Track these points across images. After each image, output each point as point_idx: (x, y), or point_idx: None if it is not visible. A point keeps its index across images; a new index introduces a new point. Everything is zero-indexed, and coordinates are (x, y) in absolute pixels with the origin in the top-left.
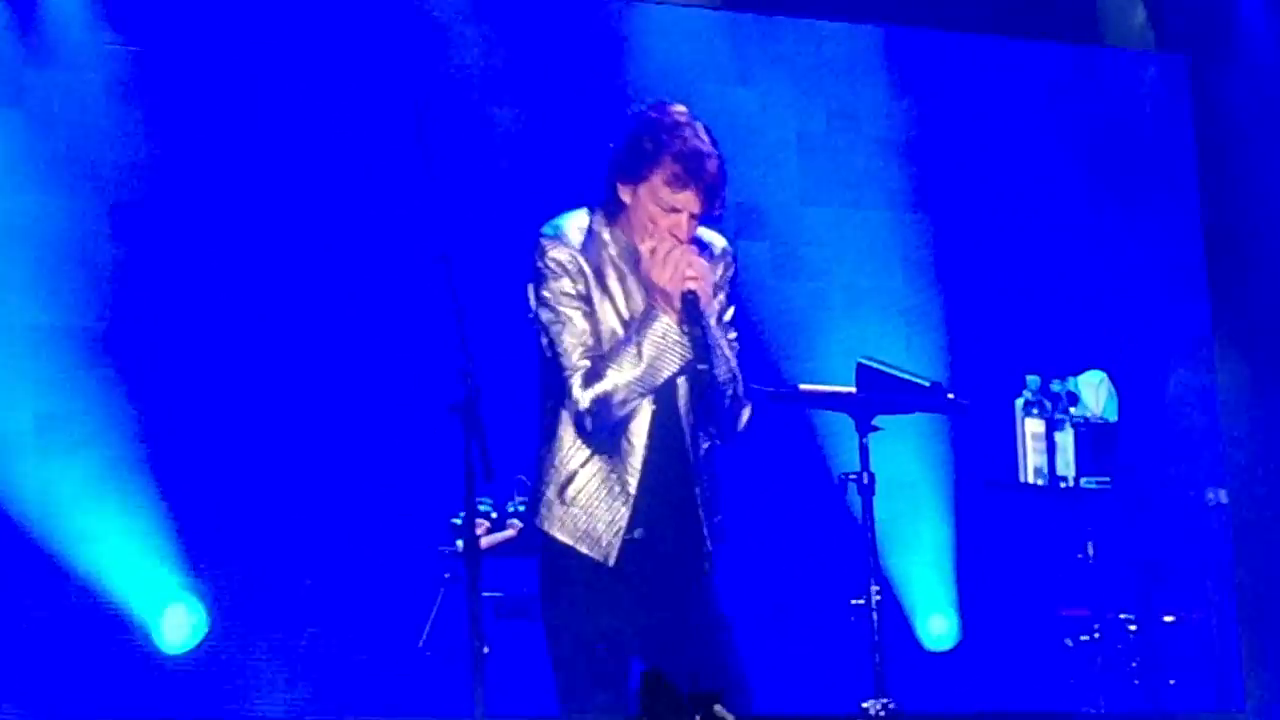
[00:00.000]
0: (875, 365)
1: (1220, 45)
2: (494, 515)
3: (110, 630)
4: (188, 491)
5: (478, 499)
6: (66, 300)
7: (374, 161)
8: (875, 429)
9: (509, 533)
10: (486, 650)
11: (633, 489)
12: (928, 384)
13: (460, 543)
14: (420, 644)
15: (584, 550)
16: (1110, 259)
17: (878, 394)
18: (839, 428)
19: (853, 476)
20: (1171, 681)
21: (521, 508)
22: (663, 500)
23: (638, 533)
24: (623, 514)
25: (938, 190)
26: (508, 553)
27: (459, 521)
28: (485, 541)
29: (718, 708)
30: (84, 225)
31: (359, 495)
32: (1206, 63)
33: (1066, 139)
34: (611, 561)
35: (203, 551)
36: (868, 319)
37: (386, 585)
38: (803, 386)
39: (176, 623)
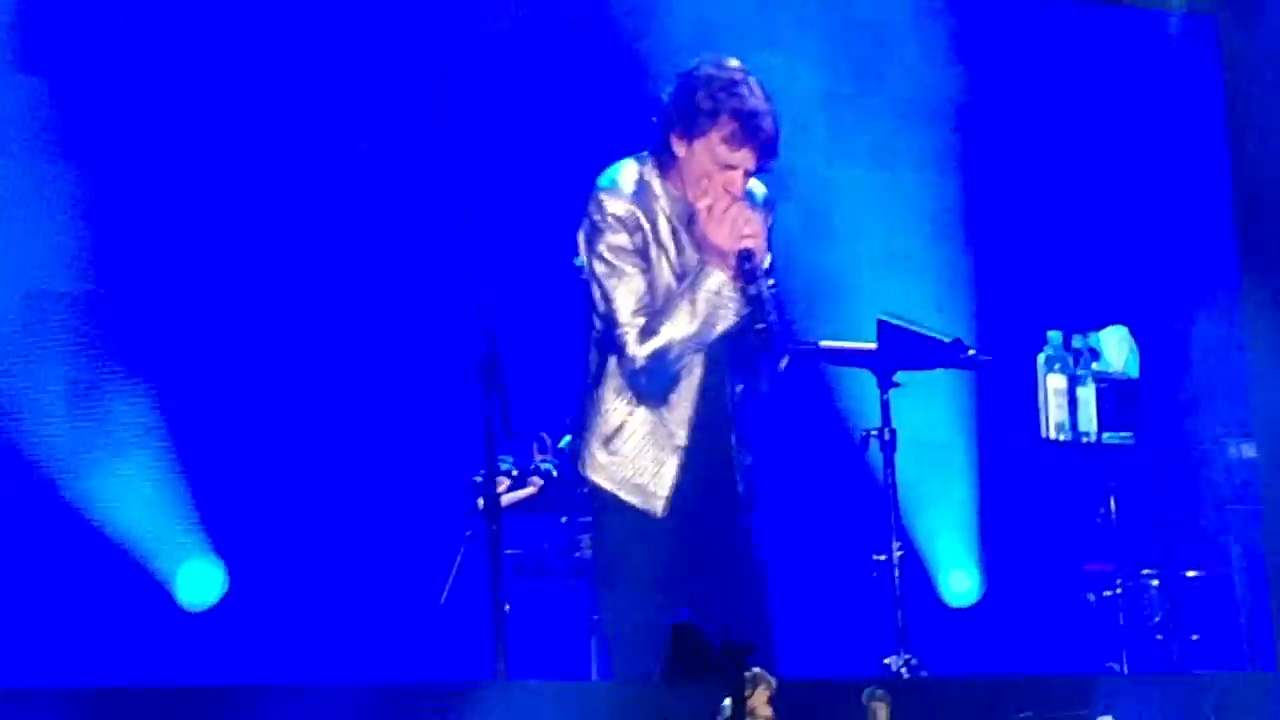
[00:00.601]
0: (896, 321)
1: (1249, 3)
2: (515, 473)
3: (133, 588)
4: (209, 451)
5: (499, 456)
6: (95, 268)
7: (395, 121)
8: (896, 385)
9: (530, 490)
10: (508, 608)
11: (681, 440)
12: (948, 340)
13: (481, 500)
14: (442, 600)
15: (627, 498)
16: (1134, 213)
17: (899, 350)
18: (860, 385)
19: (874, 433)
20: (1195, 637)
21: (544, 465)
22: (709, 452)
23: (683, 499)
24: (671, 465)
25: (964, 149)
26: (529, 510)
27: (480, 479)
28: (506, 499)
29: (757, 670)
30: (111, 194)
31: (379, 453)
32: (1236, 18)
33: (1093, 95)
34: (660, 513)
35: (223, 510)
36: (896, 279)
37: (407, 543)
38: (823, 343)
39: (196, 580)
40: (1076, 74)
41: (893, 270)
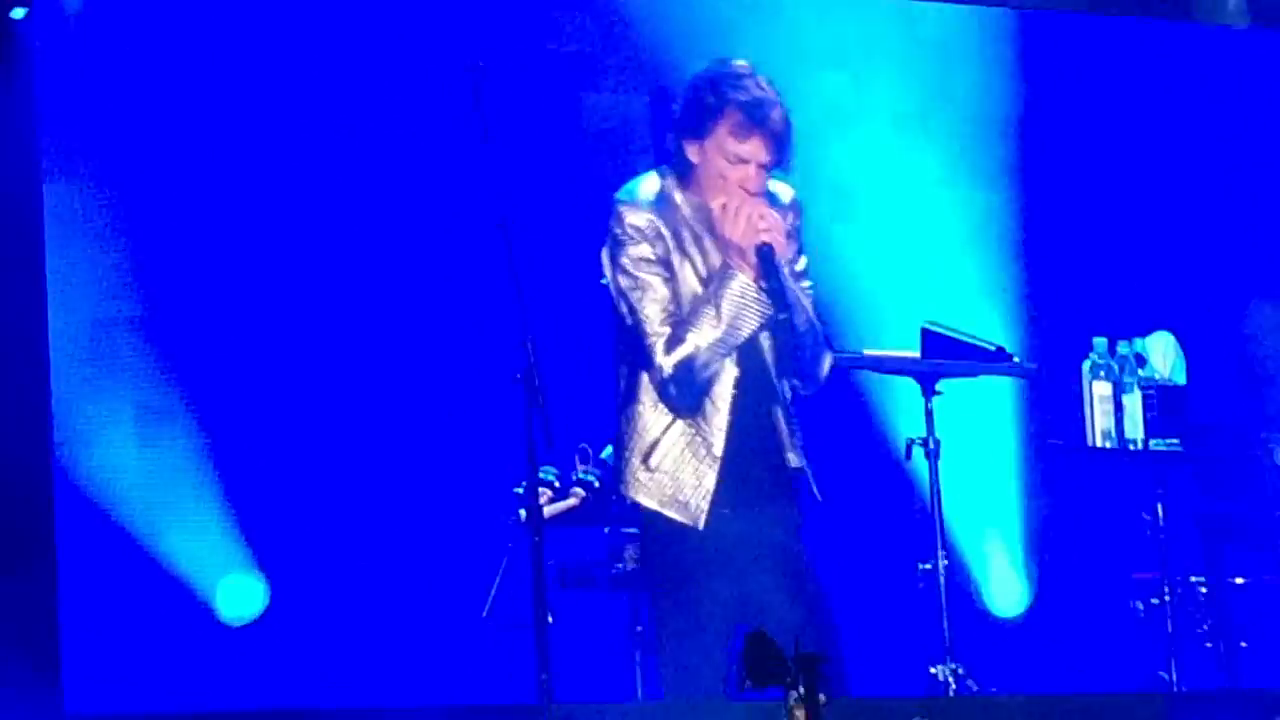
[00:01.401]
0: (940, 330)
1: None
2: (557, 484)
3: (177, 603)
4: (251, 464)
5: (541, 468)
6: (158, 294)
7: (434, 133)
8: (939, 393)
9: (571, 501)
10: (551, 619)
11: (719, 451)
12: (993, 348)
13: (523, 512)
14: (484, 613)
15: (672, 515)
16: (1180, 219)
17: (943, 358)
18: (905, 393)
19: (919, 441)
20: (1243, 644)
21: (586, 476)
22: (750, 460)
23: (727, 510)
24: (710, 477)
25: (1021, 163)
26: (571, 522)
27: (521, 491)
28: (548, 510)
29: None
30: (171, 218)
31: (421, 466)
32: None
33: (1147, 108)
34: (701, 525)
35: (264, 523)
36: (950, 292)
37: (449, 556)
38: (867, 351)
39: (237, 595)
40: (1136, 88)
41: (948, 284)
